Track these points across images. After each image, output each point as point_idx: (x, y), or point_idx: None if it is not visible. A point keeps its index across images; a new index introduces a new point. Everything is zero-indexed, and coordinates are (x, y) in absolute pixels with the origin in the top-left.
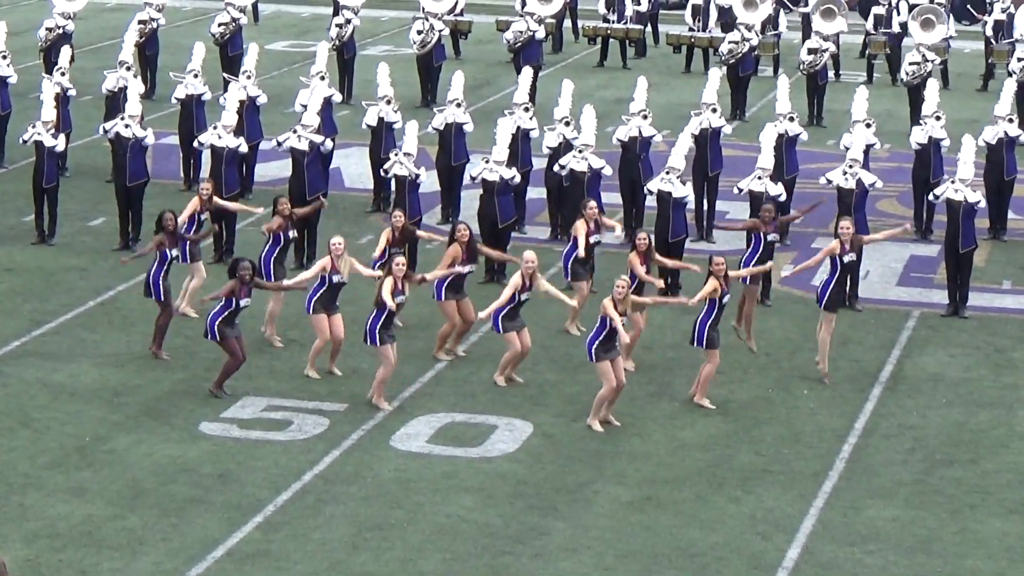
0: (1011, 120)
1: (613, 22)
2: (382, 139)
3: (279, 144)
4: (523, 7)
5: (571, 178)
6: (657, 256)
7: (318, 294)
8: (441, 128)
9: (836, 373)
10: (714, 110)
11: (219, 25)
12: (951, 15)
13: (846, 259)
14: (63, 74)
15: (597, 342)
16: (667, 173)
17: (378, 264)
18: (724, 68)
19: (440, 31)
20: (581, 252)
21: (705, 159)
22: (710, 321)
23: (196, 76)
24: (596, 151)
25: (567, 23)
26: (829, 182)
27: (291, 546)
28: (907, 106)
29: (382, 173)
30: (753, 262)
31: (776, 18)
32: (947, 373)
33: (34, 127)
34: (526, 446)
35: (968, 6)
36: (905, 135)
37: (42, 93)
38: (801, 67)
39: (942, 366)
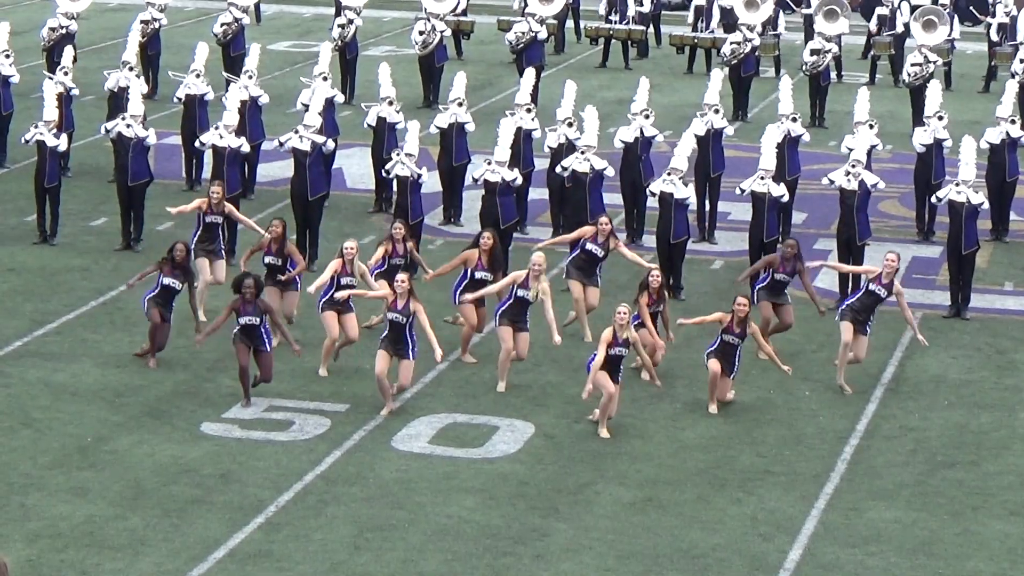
0: (1013, 121)
1: (615, 23)
2: (384, 139)
3: (281, 144)
4: (524, 8)
5: (573, 179)
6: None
7: (328, 295)
8: (443, 127)
9: (837, 374)
10: (716, 111)
11: (221, 25)
12: (955, 16)
13: (872, 287)
14: (66, 74)
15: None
16: (669, 174)
17: (376, 271)
18: (726, 69)
19: (442, 32)
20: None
21: (707, 160)
22: (710, 350)
23: (198, 76)
24: (598, 152)
25: (569, 24)
26: (831, 183)
27: (292, 546)
28: (909, 107)
29: (384, 173)
30: (758, 288)
31: (776, 19)
32: (949, 375)
33: (36, 127)
34: (527, 447)
35: (971, 7)
36: (907, 136)
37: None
38: (803, 68)
39: (944, 368)
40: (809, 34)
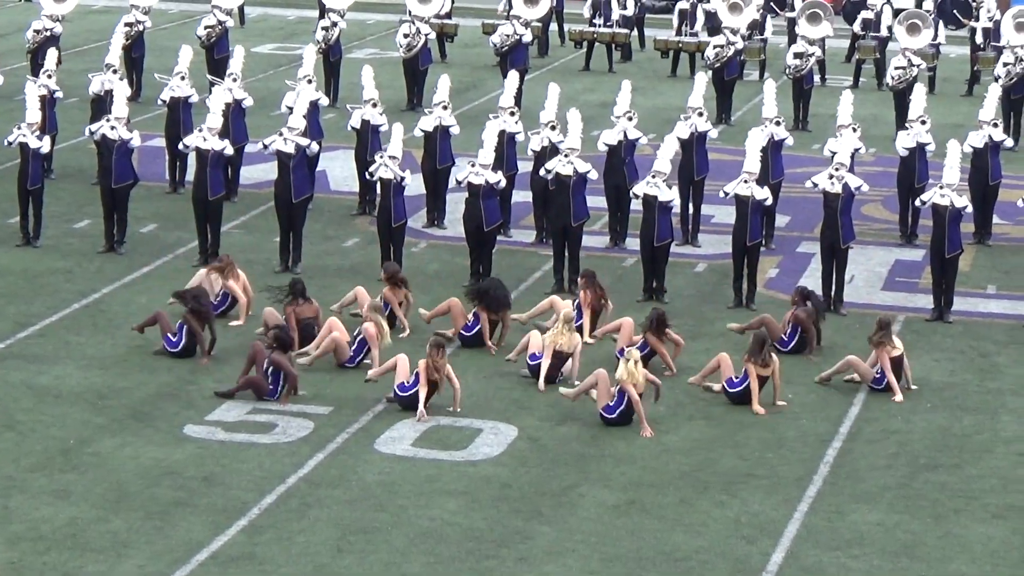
0: (995, 125)
1: (599, 26)
2: (367, 142)
3: (265, 147)
4: (509, 11)
5: (556, 182)
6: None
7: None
8: (428, 130)
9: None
10: (700, 114)
11: (205, 28)
12: (939, 20)
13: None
14: (50, 76)
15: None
16: (653, 177)
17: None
18: (710, 72)
19: (426, 34)
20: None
21: (691, 163)
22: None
23: (183, 78)
24: (581, 155)
25: (553, 27)
26: (815, 185)
27: (275, 549)
28: (892, 110)
29: (367, 176)
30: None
31: (762, 23)
32: (932, 378)
33: (19, 129)
34: (511, 450)
35: (955, 11)
36: (891, 140)
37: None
38: (787, 71)
39: (927, 371)
40: (792, 38)
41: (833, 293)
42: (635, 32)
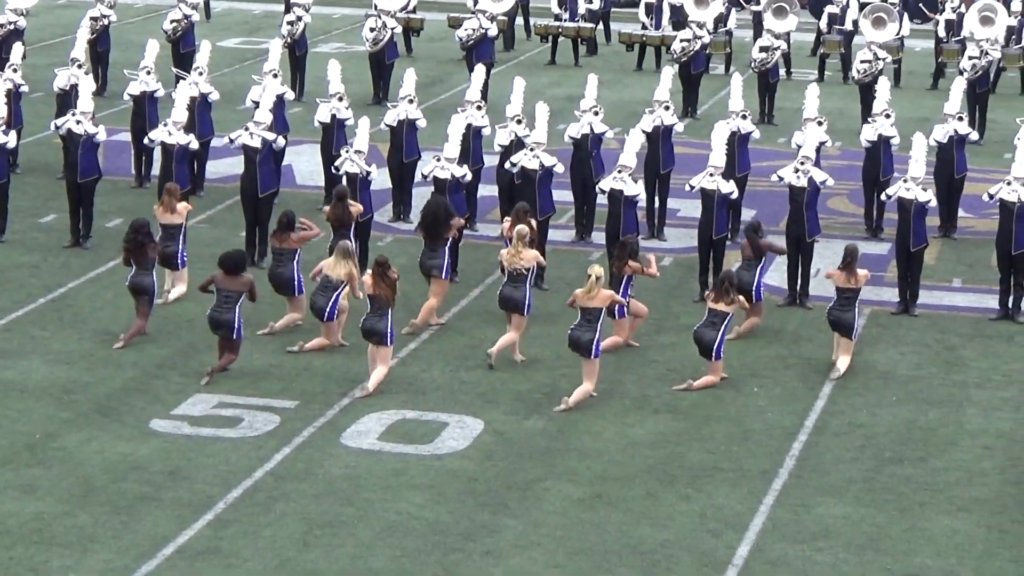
0: (961, 119)
1: (565, 20)
2: (333, 136)
3: (231, 141)
4: (475, 5)
5: (522, 176)
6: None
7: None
8: (394, 124)
9: (786, 371)
10: (666, 108)
11: (171, 22)
12: (904, 14)
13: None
14: (15, 70)
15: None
16: (619, 171)
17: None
18: (676, 66)
19: (392, 28)
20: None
21: (657, 157)
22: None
23: (149, 73)
24: (548, 149)
25: (519, 21)
26: (780, 179)
27: (241, 543)
28: (858, 104)
29: (333, 170)
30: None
31: (727, 16)
32: (897, 371)
33: None
34: (477, 443)
35: (920, 4)
36: (856, 133)
37: None
38: (752, 65)
39: (892, 364)
40: (758, 31)
41: (799, 287)
42: (601, 26)
